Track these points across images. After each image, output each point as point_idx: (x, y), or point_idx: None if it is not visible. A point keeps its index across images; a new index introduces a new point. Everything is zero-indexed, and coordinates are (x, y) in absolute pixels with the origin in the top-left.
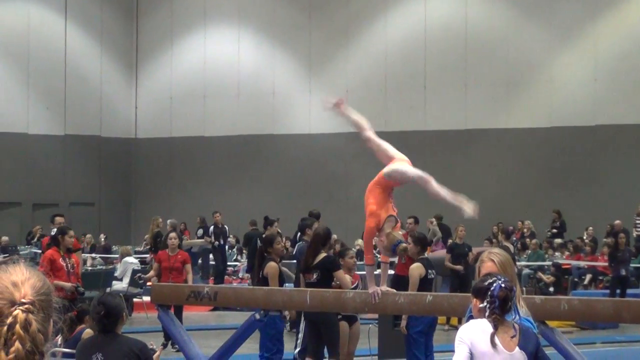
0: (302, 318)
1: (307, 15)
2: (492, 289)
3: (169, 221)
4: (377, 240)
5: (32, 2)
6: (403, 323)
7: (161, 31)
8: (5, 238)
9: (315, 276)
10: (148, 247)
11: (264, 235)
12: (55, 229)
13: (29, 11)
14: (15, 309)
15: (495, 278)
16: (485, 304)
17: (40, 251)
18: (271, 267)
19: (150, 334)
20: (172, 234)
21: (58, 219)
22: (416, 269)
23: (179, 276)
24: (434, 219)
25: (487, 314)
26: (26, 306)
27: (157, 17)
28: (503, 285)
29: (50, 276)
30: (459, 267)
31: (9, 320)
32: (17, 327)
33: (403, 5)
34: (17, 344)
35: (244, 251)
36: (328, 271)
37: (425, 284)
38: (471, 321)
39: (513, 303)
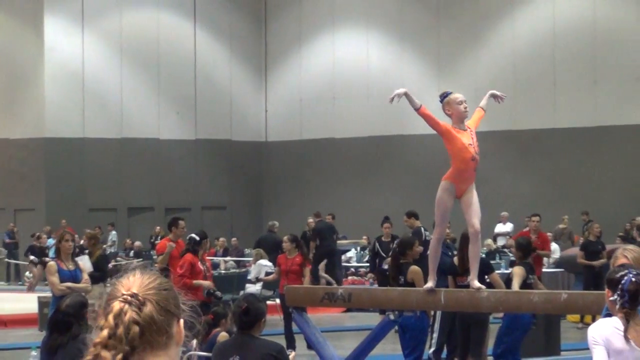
0: (438, 318)
1: (435, 15)
2: (622, 282)
3: (269, 223)
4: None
5: (162, 8)
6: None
7: (290, 34)
8: (138, 243)
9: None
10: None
11: (401, 238)
12: (194, 234)
13: (159, 18)
14: (115, 301)
15: (626, 271)
16: (615, 297)
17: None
18: (415, 272)
19: (283, 336)
20: (285, 237)
21: (182, 223)
22: (521, 270)
23: (297, 279)
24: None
25: (617, 307)
26: (124, 297)
27: (286, 21)
28: (634, 278)
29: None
30: (596, 263)
31: (108, 310)
32: (110, 316)
33: (531, 3)
34: (104, 332)
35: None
36: (482, 274)
37: (525, 288)
38: (601, 319)
39: None
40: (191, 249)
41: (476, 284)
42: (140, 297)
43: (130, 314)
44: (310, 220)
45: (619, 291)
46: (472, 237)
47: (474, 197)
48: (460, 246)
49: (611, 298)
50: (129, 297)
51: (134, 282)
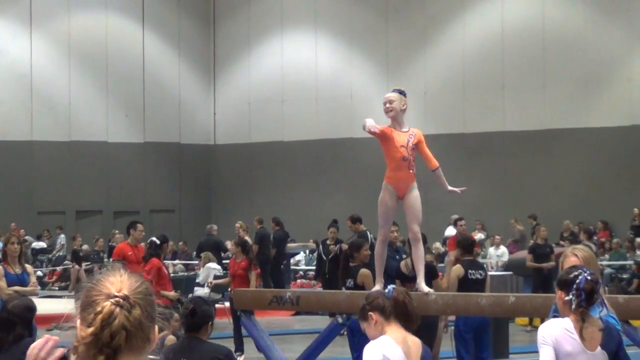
0: None
1: (384, 18)
2: (577, 281)
3: (207, 227)
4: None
5: (110, 10)
6: (441, 325)
7: (238, 37)
8: (85, 247)
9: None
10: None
11: (351, 241)
12: (155, 238)
13: (107, 20)
14: (107, 301)
15: (580, 270)
16: (570, 296)
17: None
18: (365, 275)
19: (232, 339)
20: (232, 241)
21: (141, 226)
22: (455, 271)
23: (242, 283)
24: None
25: (573, 307)
26: (116, 299)
27: (234, 23)
28: (589, 277)
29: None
30: (545, 265)
31: (97, 308)
32: (99, 317)
33: (480, 6)
34: (89, 330)
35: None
36: (427, 279)
37: (465, 285)
38: (552, 320)
39: (599, 296)
40: (154, 253)
41: (424, 288)
42: (131, 300)
43: (120, 319)
44: (238, 225)
45: (574, 291)
46: (412, 242)
47: (414, 200)
48: (409, 251)
49: (566, 298)
50: (121, 300)
51: (124, 283)
